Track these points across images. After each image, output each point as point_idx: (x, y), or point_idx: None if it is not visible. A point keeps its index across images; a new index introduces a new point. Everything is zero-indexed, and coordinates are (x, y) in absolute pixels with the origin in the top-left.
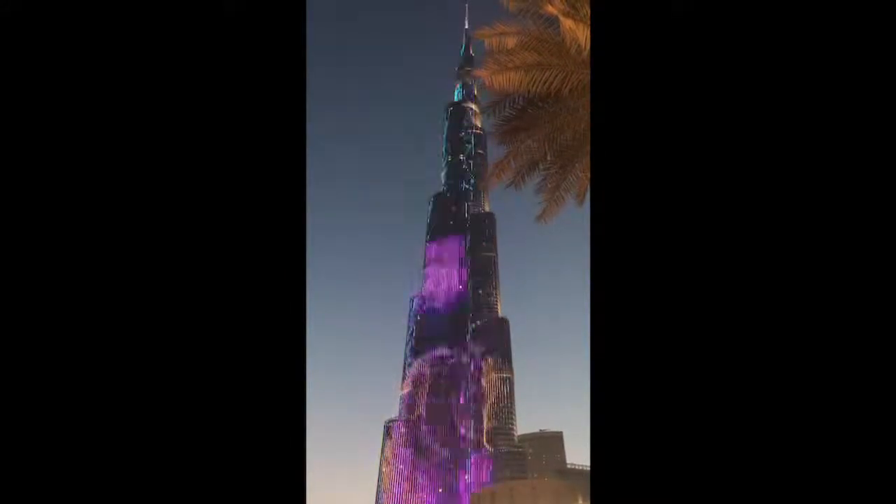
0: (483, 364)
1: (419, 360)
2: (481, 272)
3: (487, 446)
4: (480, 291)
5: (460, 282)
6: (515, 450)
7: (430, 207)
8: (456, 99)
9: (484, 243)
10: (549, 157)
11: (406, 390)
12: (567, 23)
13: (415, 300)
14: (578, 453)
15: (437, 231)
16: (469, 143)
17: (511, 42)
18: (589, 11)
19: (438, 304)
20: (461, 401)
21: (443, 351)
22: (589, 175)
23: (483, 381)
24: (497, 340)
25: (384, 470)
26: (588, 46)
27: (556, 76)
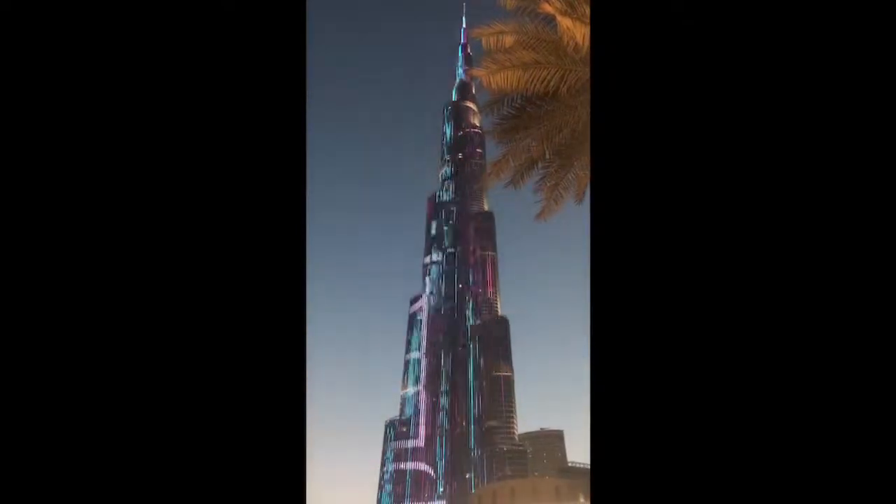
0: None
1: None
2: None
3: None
4: (480, 290)
5: (460, 281)
6: (516, 448)
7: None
8: (454, 98)
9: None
10: (547, 156)
11: (407, 390)
12: (564, 21)
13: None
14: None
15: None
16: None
17: (509, 41)
18: (586, 10)
19: (438, 304)
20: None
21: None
22: (587, 173)
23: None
24: (497, 339)
25: (385, 469)
26: (586, 45)
27: (554, 75)
